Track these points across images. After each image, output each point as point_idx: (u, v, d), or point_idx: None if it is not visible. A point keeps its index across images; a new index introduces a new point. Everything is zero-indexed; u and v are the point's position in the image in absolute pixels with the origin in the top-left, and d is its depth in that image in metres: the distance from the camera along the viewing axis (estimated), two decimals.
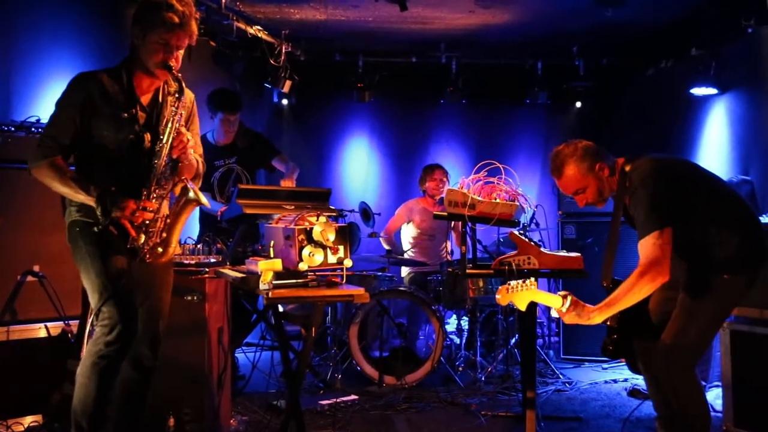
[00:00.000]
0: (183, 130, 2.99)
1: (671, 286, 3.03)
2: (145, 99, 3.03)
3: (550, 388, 5.20)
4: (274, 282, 2.95)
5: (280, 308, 4.75)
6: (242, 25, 5.93)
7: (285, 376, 3.84)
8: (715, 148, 6.13)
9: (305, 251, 2.98)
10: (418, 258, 6.17)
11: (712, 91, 5.97)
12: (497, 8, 5.88)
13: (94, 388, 2.87)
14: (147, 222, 2.90)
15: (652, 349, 3.12)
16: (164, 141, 2.94)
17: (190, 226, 5.72)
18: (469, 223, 3.58)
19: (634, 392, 5.03)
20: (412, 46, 7.13)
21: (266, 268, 2.98)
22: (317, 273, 3.11)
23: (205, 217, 5.20)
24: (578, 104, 7.61)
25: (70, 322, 3.77)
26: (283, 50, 6.43)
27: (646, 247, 2.93)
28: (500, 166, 3.55)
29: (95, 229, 2.88)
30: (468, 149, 8.07)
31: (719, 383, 4.15)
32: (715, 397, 4.34)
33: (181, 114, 2.98)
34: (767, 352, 3.70)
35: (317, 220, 3.06)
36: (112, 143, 2.93)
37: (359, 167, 8.10)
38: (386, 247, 6.18)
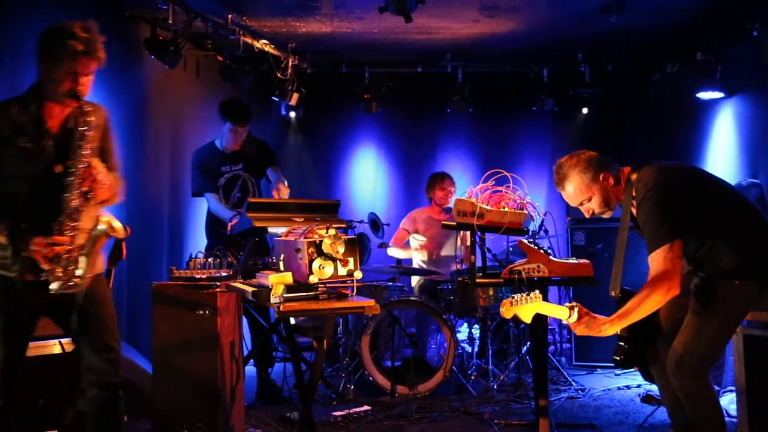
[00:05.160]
0: (94, 162, 2.91)
1: (682, 293, 3.03)
2: (55, 128, 2.93)
3: (563, 396, 5.18)
4: (285, 295, 2.96)
5: (292, 320, 4.77)
6: (249, 40, 5.97)
7: (298, 388, 3.85)
8: (722, 151, 6.11)
9: (315, 264, 2.99)
10: (427, 267, 6.17)
11: (719, 94, 5.96)
12: (502, 17, 5.90)
13: None
14: (61, 255, 2.85)
15: (665, 357, 3.12)
16: (74, 174, 2.86)
17: (198, 235, 5.74)
18: (478, 233, 3.59)
19: (647, 398, 5.01)
20: (418, 56, 7.15)
21: (277, 281, 3.00)
22: (328, 285, 3.12)
23: (212, 226, 5.21)
24: (585, 110, 7.59)
25: None
26: (290, 63, 6.47)
27: (657, 261, 2.93)
28: (508, 174, 3.56)
29: (11, 275, 2.83)
30: (475, 157, 8.07)
31: (733, 388, 4.13)
32: (729, 402, 4.32)
33: (91, 145, 2.90)
34: None
35: (326, 232, 3.07)
36: (23, 177, 2.86)
37: (367, 178, 8.12)
38: (394, 255, 6.19)
